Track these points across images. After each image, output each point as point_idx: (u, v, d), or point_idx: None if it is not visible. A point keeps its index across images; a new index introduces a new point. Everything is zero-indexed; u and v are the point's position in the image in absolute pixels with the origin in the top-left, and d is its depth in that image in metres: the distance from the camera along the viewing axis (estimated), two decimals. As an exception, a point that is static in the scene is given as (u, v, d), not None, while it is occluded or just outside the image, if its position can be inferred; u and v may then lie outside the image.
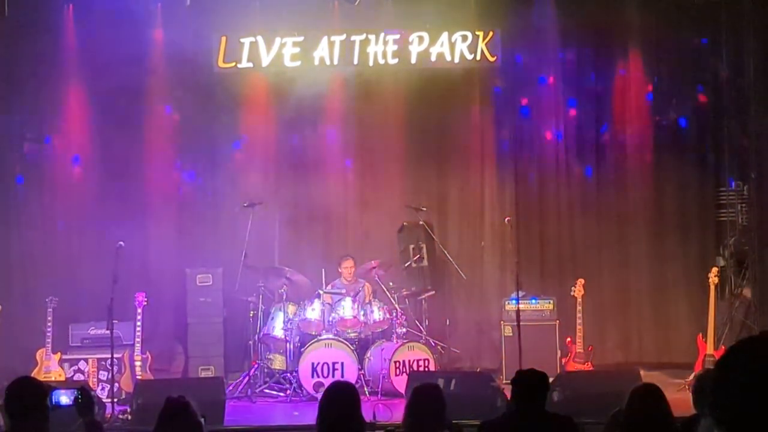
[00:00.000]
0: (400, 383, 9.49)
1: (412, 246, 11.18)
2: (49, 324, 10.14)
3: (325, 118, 11.80)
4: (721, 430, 1.72)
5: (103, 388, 10.00)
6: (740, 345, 1.77)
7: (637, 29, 11.76)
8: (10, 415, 4.42)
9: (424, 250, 11.16)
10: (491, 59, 11.58)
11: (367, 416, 4.81)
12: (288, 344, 10.23)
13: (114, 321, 9.08)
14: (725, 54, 11.52)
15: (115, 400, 9.04)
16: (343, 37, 11.48)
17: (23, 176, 11.52)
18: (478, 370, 10.98)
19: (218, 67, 11.45)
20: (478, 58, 11.55)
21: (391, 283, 10.69)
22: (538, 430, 5.04)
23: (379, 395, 9.64)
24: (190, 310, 11.09)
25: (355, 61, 11.53)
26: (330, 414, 4.56)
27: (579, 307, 10.55)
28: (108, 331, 9.14)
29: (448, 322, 11.26)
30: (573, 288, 10.68)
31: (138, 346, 10.28)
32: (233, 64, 11.46)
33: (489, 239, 11.89)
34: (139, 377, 10.06)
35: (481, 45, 11.53)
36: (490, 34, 11.52)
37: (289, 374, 10.15)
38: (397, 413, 8.36)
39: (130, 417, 8.57)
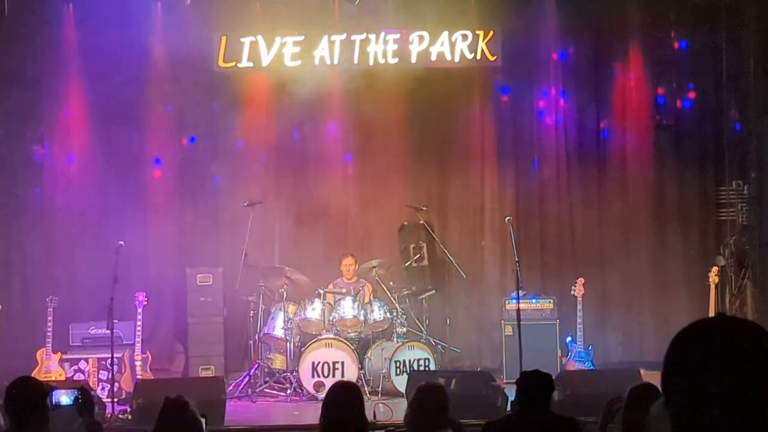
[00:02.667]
0: (401, 383, 9.49)
1: (412, 245, 11.19)
2: (50, 323, 10.15)
3: (325, 118, 11.81)
4: (669, 411, 1.73)
5: (103, 388, 9.99)
6: (691, 327, 1.78)
7: (637, 28, 11.76)
8: (10, 415, 4.42)
9: (425, 249, 11.17)
10: (491, 58, 11.58)
11: (368, 416, 4.81)
12: (288, 344, 10.22)
13: (114, 320, 9.08)
14: (725, 53, 11.51)
15: (116, 399, 9.03)
16: (344, 36, 11.49)
17: (23, 175, 11.51)
18: (478, 369, 10.97)
19: (218, 66, 11.46)
20: (479, 57, 11.55)
21: (391, 283, 10.69)
22: (542, 431, 5.03)
23: (380, 395, 9.64)
24: (190, 309, 11.09)
25: (356, 61, 11.53)
26: (333, 414, 4.56)
27: (579, 306, 10.55)
28: (108, 331, 9.14)
29: (448, 322, 11.25)
30: (573, 287, 10.68)
31: (138, 346, 10.28)
32: (233, 63, 11.46)
33: (489, 238, 11.89)
34: (139, 377, 10.05)
35: (482, 44, 11.53)
36: (491, 33, 11.53)
37: (289, 374, 10.15)
38: (397, 413, 8.36)
39: (130, 417, 8.57)
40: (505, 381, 9.98)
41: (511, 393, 5.29)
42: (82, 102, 11.53)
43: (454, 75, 11.67)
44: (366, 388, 9.66)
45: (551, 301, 11.05)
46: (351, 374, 9.65)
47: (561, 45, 11.81)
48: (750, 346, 1.67)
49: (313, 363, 9.78)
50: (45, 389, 4.52)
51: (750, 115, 11.26)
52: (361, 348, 10.19)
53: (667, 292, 11.61)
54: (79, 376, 10.09)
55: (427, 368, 9.85)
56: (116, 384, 9.52)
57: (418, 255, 11.09)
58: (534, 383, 5.09)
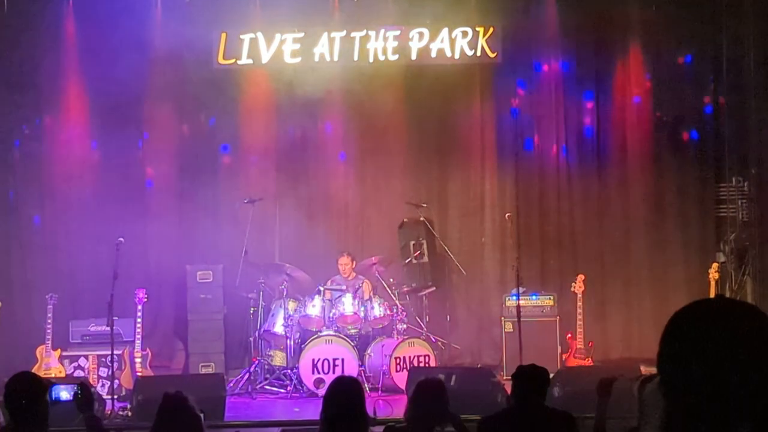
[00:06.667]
0: (401, 379, 9.49)
1: (412, 242, 11.18)
2: (50, 320, 10.15)
3: (325, 115, 11.80)
4: (662, 390, 1.71)
5: (103, 385, 10.00)
6: (689, 307, 1.76)
7: (637, 25, 11.75)
8: (10, 410, 4.42)
9: (425, 246, 11.16)
10: (491, 55, 11.58)
11: (368, 412, 4.81)
12: (288, 340, 10.22)
13: (114, 317, 9.07)
14: (726, 50, 11.50)
15: (115, 396, 9.04)
16: (344, 33, 11.48)
17: (23, 172, 11.50)
18: (478, 366, 10.98)
19: (218, 63, 11.45)
20: (479, 54, 11.55)
21: (391, 280, 10.69)
22: (537, 426, 5.04)
23: (380, 391, 9.65)
24: (190, 306, 11.08)
25: (356, 58, 11.53)
26: (334, 408, 4.56)
27: (579, 303, 10.56)
28: (108, 328, 9.13)
29: (448, 318, 11.27)
30: (573, 284, 10.69)
31: (138, 343, 10.27)
32: (233, 60, 11.46)
33: (489, 235, 11.89)
34: (139, 374, 10.06)
35: (482, 41, 11.53)
36: (491, 30, 11.52)
37: (289, 370, 10.15)
38: (397, 409, 8.37)
39: (130, 413, 8.58)
40: (505, 378, 9.97)
41: (510, 389, 5.28)
42: (81, 98, 11.51)
43: (454, 72, 11.67)
44: (366, 385, 9.64)
45: (551, 297, 11.05)
46: (351, 371, 9.63)
47: (561, 41, 11.80)
48: (749, 328, 1.66)
49: (313, 360, 9.78)
50: (45, 385, 4.52)
51: (750, 111, 11.25)
52: (361, 344, 10.20)
53: (667, 289, 11.61)
54: (78, 373, 10.10)
55: (427, 365, 9.85)
56: (116, 381, 9.53)
57: (418, 252, 11.09)
58: (530, 378, 5.09)
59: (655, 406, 1.70)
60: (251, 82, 11.78)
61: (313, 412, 8.07)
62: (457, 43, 11.53)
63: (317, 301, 10.22)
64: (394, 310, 10.28)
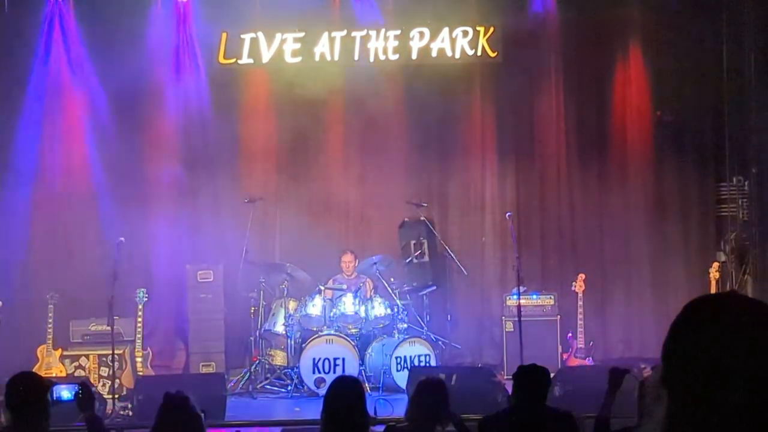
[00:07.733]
0: (402, 379, 9.49)
1: (413, 241, 11.18)
2: (50, 320, 10.15)
3: (325, 114, 11.79)
4: (666, 386, 1.70)
5: (104, 385, 10.00)
6: (696, 302, 1.74)
7: (637, 24, 11.75)
8: (11, 410, 4.42)
9: (426, 245, 11.16)
10: (492, 55, 11.58)
11: (368, 412, 4.81)
12: (289, 340, 10.23)
13: (115, 317, 9.08)
14: (726, 49, 11.50)
15: (116, 396, 9.05)
16: (344, 32, 11.49)
17: (23, 172, 11.50)
18: (479, 365, 10.98)
19: (219, 63, 11.46)
20: (479, 53, 11.55)
21: (392, 279, 10.70)
22: (538, 425, 5.04)
23: (381, 391, 9.65)
24: (190, 306, 11.09)
25: (356, 57, 11.53)
26: (335, 408, 4.57)
27: (580, 302, 10.56)
28: (109, 327, 9.15)
29: (449, 318, 11.27)
30: (574, 283, 10.70)
31: (139, 342, 10.28)
32: (234, 60, 11.47)
33: (490, 234, 11.90)
34: (139, 373, 10.07)
35: (482, 40, 11.53)
36: (491, 29, 11.52)
37: (290, 370, 10.16)
38: (398, 409, 8.37)
39: (130, 413, 8.58)
40: (505, 377, 9.99)
41: (511, 389, 5.29)
42: (82, 97, 11.51)
43: (454, 71, 11.67)
44: (367, 384, 9.64)
45: (552, 297, 11.06)
46: (352, 370, 9.64)
47: (562, 40, 11.80)
48: (756, 323, 1.64)
49: (314, 359, 9.78)
50: (46, 384, 4.52)
51: (750, 111, 11.24)
52: (361, 344, 10.20)
53: (668, 288, 11.61)
54: (79, 373, 10.10)
55: (427, 364, 9.86)
56: (117, 380, 9.53)
57: (419, 251, 11.09)
58: (531, 377, 5.10)
59: (657, 400, 1.67)
60: (252, 82, 11.79)
61: (313, 411, 8.04)
62: (458, 42, 11.53)
63: (318, 300, 10.23)
64: (395, 310, 10.29)
